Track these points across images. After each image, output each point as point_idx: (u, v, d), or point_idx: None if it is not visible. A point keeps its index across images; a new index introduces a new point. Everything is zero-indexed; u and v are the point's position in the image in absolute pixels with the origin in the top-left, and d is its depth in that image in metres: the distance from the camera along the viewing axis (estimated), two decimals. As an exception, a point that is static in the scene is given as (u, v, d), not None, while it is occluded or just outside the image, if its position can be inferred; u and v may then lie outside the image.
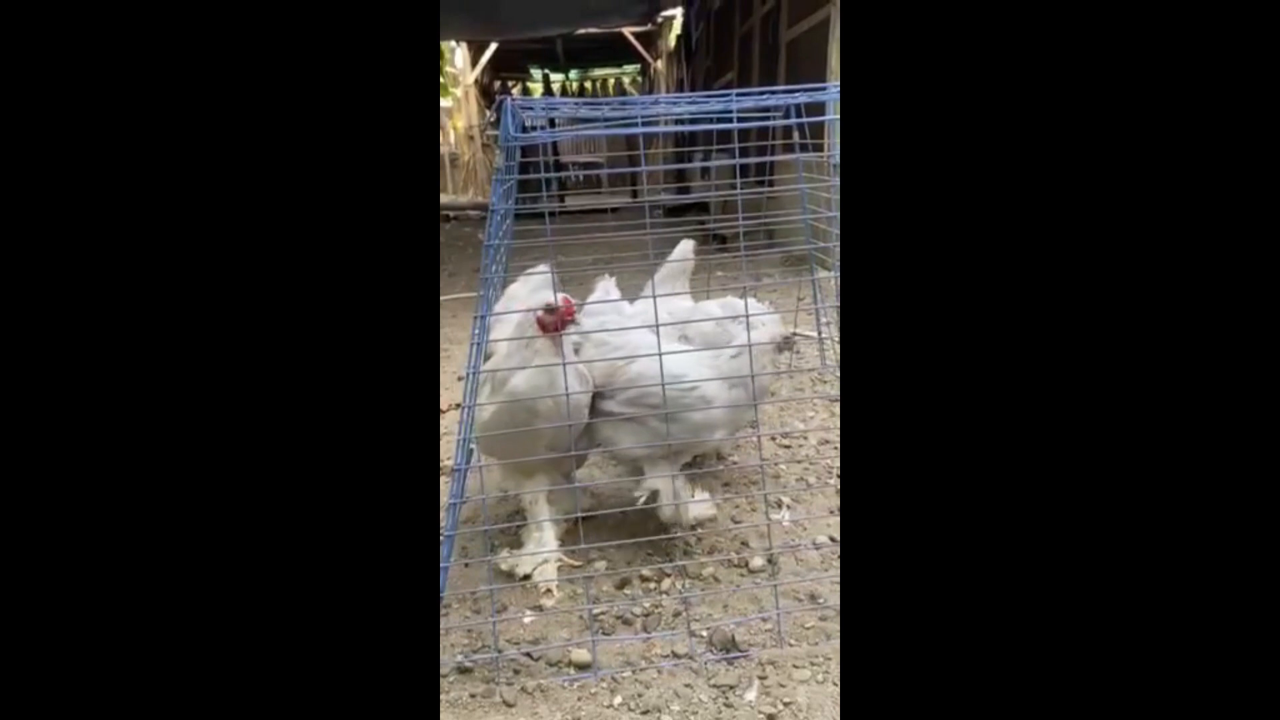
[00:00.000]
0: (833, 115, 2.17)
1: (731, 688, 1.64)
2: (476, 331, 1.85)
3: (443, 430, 3.17)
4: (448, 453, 2.85)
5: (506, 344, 2.07)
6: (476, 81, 16.76)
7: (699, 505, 2.25)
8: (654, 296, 2.05)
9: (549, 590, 2.02)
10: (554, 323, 1.96)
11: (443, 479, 2.64)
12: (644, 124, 1.94)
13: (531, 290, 2.40)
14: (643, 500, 2.15)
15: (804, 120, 2.04)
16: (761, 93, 2.10)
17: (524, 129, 1.91)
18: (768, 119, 2.05)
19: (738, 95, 2.05)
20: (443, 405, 3.47)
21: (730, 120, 1.94)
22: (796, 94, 2.15)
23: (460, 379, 3.81)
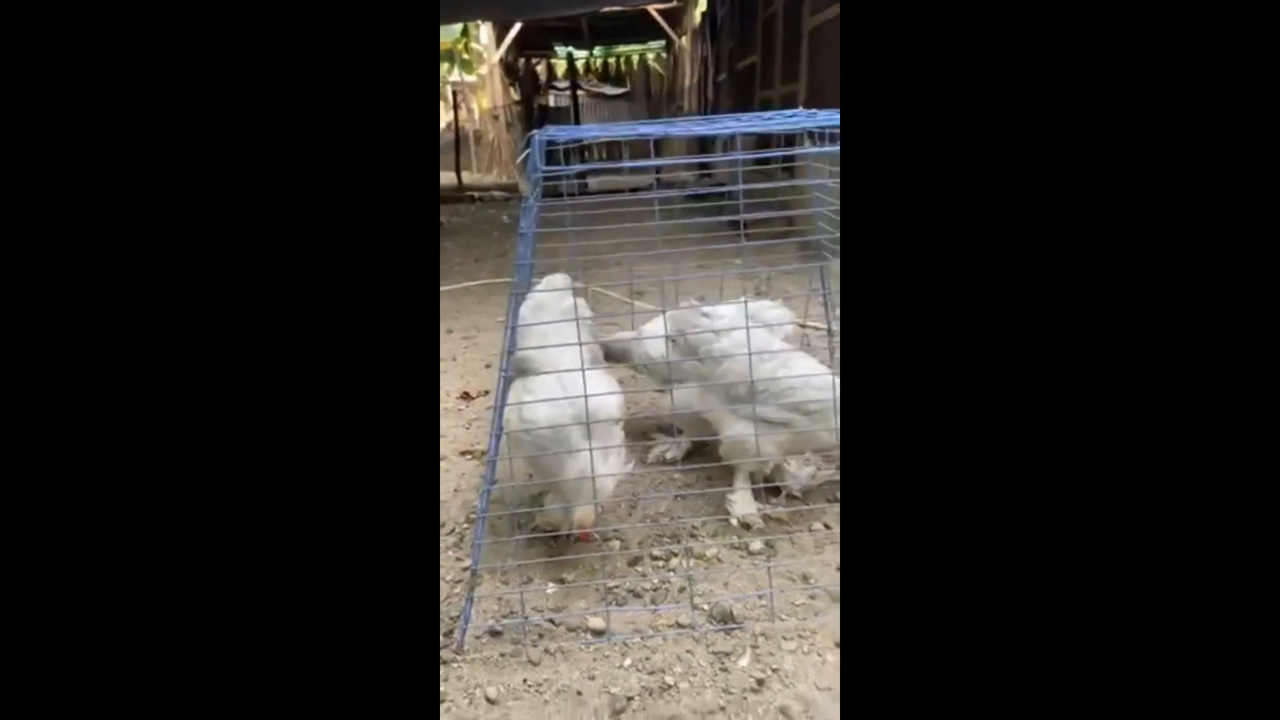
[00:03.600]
0: None
1: (727, 654, 1.82)
2: (510, 313, 1.88)
3: (473, 417, 3.38)
4: (477, 440, 3.07)
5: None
6: (501, 60, 16.77)
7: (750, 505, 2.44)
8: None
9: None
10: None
11: (476, 464, 2.87)
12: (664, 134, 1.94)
13: (553, 290, 2.56)
14: (736, 514, 2.37)
15: (825, 126, 2.02)
16: (793, 114, 2.12)
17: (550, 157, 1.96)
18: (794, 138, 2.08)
19: (765, 119, 2.06)
20: (471, 392, 3.64)
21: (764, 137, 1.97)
22: (818, 115, 2.16)
23: (487, 366, 3.98)
